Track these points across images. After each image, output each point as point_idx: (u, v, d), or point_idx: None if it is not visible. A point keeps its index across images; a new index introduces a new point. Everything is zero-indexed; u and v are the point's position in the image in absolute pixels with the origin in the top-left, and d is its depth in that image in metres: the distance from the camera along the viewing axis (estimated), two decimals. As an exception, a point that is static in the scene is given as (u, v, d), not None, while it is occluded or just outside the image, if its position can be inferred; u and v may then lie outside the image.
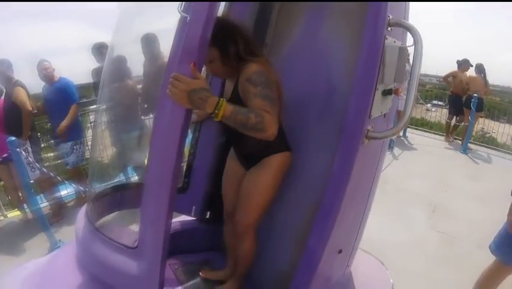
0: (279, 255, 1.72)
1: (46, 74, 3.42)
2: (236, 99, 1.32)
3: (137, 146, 2.51)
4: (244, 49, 1.32)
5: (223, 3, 1.80)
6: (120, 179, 2.57)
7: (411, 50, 1.34)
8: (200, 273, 1.74)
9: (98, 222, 1.56)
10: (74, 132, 3.60)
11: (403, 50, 1.31)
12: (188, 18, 1.02)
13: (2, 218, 3.72)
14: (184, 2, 1.05)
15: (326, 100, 1.62)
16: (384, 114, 1.40)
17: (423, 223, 3.34)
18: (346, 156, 1.22)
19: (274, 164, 1.48)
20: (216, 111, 1.07)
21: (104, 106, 1.84)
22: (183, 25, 1.06)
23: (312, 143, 1.64)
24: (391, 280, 2.13)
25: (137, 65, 2.51)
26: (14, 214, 3.75)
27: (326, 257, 1.33)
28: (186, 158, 1.97)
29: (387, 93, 1.31)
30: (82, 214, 1.60)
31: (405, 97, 1.28)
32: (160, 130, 1.15)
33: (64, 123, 3.45)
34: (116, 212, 1.74)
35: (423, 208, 3.62)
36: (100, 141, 1.97)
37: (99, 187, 1.81)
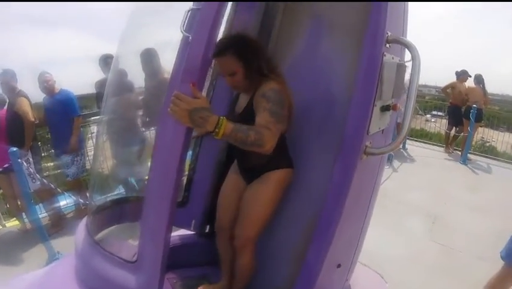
0: (278, 271, 1.72)
1: (47, 86, 3.43)
2: (249, 111, 1.36)
3: (138, 159, 2.51)
4: (266, 66, 1.39)
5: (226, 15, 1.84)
6: (121, 192, 2.56)
7: (409, 63, 1.36)
8: None
9: (98, 235, 1.56)
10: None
11: (401, 67, 1.34)
12: (190, 38, 1.05)
13: (0, 227, 3.70)
14: (186, 22, 1.07)
15: (324, 113, 1.63)
16: (382, 130, 1.41)
17: (423, 235, 3.32)
18: (344, 172, 1.23)
19: (274, 180, 1.50)
20: (216, 130, 1.09)
21: (106, 119, 1.86)
22: (185, 45, 1.08)
23: (311, 157, 1.65)
24: (391, 295, 2.12)
25: (139, 77, 2.52)
26: (12, 224, 3.74)
27: (325, 272, 1.33)
28: (186, 172, 1.98)
29: (385, 109, 1.33)
30: (82, 226, 1.60)
31: (403, 110, 1.30)
32: (161, 146, 1.17)
33: (74, 139, 3.49)
34: (116, 226, 1.74)
35: (423, 220, 3.61)
36: (101, 153, 1.98)
37: (99, 200, 1.82)
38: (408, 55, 1.40)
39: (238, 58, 1.33)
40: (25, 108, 3.28)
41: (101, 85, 3.50)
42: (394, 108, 1.41)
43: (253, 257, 1.57)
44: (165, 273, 1.77)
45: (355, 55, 1.41)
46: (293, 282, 1.38)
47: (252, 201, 1.52)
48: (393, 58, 1.32)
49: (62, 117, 3.48)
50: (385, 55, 1.23)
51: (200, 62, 1.04)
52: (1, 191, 3.97)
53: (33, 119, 3.31)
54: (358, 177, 1.25)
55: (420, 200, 4.09)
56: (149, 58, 2.51)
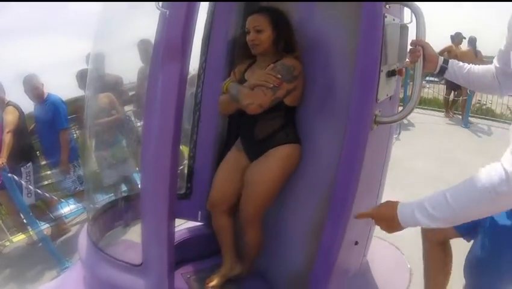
0: (294, 254, 1.66)
1: (36, 94, 3.19)
2: None
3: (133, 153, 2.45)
4: (292, 45, 1.46)
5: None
6: (123, 190, 2.50)
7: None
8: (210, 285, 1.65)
9: (100, 241, 1.50)
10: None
11: (404, 29, 1.25)
12: (168, 13, 0.97)
13: (8, 243, 3.65)
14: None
15: (326, 91, 1.52)
16: (390, 97, 1.33)
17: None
18: (355, 143, 1.16)
19: (279, 155, 1.48)
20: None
21: (90, 120, 1.78)
22: (163, 21, 1.03)
23: (317, 133, 1.56)
24: (409, 265, 2.08)
25: (128, 71, 2.46)
26: (19, 238, 3.68)
27: (343, 251, 1.28)
28: (185, 162, 1.92)
29: (391, 74, 1.25)
30: (83, 233, 1.54)
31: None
32: (150, 137, 1.09)
33: (63, 156, 3.19)
34: (118, 228, 1.68)
35: (435, 188, 3.53)
36: (90, 155, 1.90)
37: (98, 203, 1.75)
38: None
39: (270, 21, 1.43)
40: (7, 116, 3.06)
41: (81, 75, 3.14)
42: (399, 72, 1.33)
43: (260, 233, 1.58)
44: (177, 269, 1.74)
45: (351, 23, 1.30)
46: (310, 264, 1.33)
47: (257, 177, 1.50)
48: (394, 19, 1.23)
49: (49, 127, 3.23)
50: (386, 17, 1.14)
51: (181, 36, 0.96)
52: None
53: (11, 129, 2.98)
54: (369, 149, 1.17)
55: (429, 167, 4.00)
56: (147, 46, 2.44)
